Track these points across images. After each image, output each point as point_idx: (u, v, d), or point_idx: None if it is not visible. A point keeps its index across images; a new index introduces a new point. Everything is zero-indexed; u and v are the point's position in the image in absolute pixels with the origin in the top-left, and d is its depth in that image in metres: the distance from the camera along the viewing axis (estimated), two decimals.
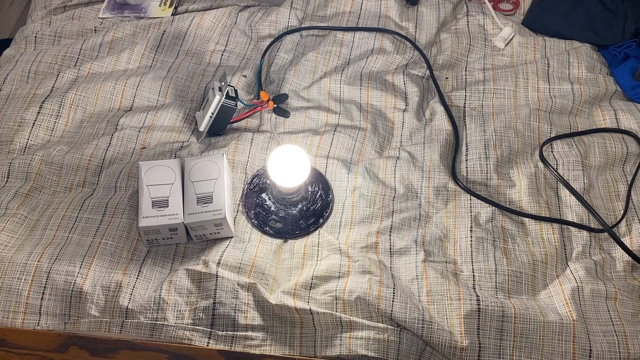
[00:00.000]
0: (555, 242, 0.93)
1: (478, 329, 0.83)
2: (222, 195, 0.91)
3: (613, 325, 0.84)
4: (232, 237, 0.93)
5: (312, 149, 1.05)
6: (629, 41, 1.18)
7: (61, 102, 1.09)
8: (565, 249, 0.93)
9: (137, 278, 0.88)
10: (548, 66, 1.16)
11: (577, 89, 1.12)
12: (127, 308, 0.85)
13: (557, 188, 1.00)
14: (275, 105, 1.10)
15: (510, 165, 1.03)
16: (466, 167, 1.03)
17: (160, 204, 0.91)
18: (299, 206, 0.97)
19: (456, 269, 0.91)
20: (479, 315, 0.83)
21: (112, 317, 0.85)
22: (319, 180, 1.00)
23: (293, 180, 0.91)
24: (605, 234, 0.95)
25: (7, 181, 1.00)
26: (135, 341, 0.79)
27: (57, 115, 1.08)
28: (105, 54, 1.20)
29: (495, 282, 0.89)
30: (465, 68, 1.17)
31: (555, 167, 1.01)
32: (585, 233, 0.95)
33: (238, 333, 0.84)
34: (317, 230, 0.95)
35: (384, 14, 1.27)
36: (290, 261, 0.93)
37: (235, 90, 1.05)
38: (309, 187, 0.99)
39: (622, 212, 0.98)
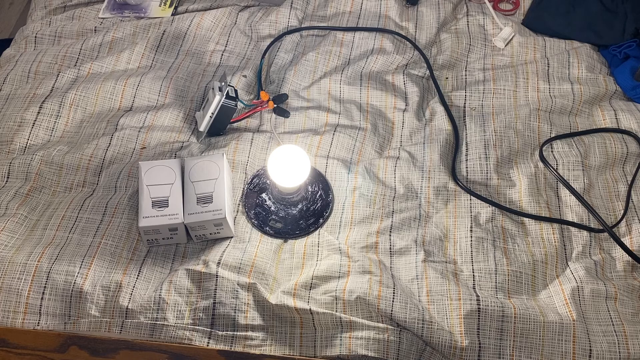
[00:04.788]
0: (555, 242, 0.93)
1: (478, 329, 0.83)
2: (222, 195, 0.91)
3: (613, 325, 0.84)
4: (232, 237, 0.93)
5: (312, 149, 1.05)
6: (629, 41, 1.18)
7: (61, 102, 1.09)
8: (565, 249, 0.93)
9: (137, 278, 0.88)
10: (548, 66, 1.16)
11: (577, 89, 1.12)
12: (127, 308, 0.85)
13: (557, 188, 1.00)
14: (275, 105, 1.10)
15: (510, 165, 1.03)
16: (466, 167, 1.03)
17: (160, 204, 0.91)
18: (299, 206, 0.97)
19: (456, 269, 0.91)
20: (479, 315, 0.83)
21: (112, 317, 0.85)
22: (319, 180, 1.00)
23: (293, 180, 0.91)
24: (605, 234, 0.95)
25: (7, 181, 1.00)
26: (135, 341, 0.79)
27: (57, 115, 1.08)
28: (105, 54, 1.20)
29: (495, 282, 0.89)
30: (465, 68, 1.17)
31: (555, 167, 1.01)
32: (585, 233, 0.95)
33: (238, 333, 0.84)
34: (317, 230, 0.95)
35: (384, 14, 1.27)
36: (290, 261, 0.93)
37: (235, 90, 1.05)
38: (309, 187, 0.99)
39: (622, 212, 0.98)
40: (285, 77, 1.16)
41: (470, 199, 0.98)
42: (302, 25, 1.27)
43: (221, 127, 1.07)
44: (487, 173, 1.01)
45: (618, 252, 0.93)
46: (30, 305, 0.86)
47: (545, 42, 1.21)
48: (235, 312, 0.85)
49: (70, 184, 1.01)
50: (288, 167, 0.90)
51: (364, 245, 0.93)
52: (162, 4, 1.30)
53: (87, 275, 0.87)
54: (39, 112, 1.07)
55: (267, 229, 0.95)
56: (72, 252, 0.90)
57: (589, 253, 0.93)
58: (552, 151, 1.04)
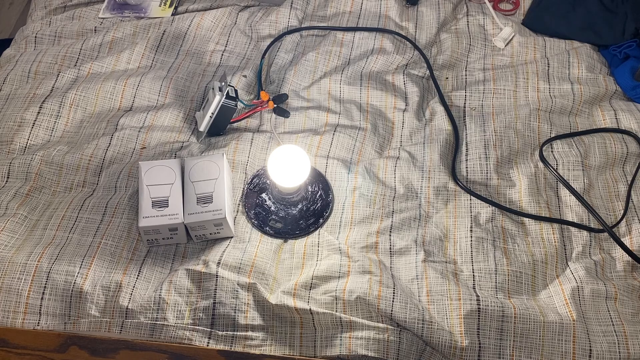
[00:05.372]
0: (555, 242, 0.93)
1: (478, 329, 0.83)
2: (222, 195, 0.92)
3: (613, 325, 0.84)
4: (232, 237, 0.93)
5: (312, 149, 1.05)
6: (629, 41, 1.18)
7: (61, 102, 1.09)
8: (565, 249, 0.93)
9: (137, 278, 0.88)
10: (548, 66, 1.16)
11: (577, 89, 1.12)
12: (127, 308, 0.85)
13: (557, 188, 1.00)
14: (275, 105, 1.10)
15: (510, 165, 1.03)
16: (466, 167, 1.03)
17: (160, 204, 0.91)
18: (299, 206, 0.97)
19: (456, 269, 0.91)
20: (479, 315, 0.83)
21: (112, 317, 0.85)
22: (319, 180, 1.00)
23: (293, 180, 0.91)
24: (605, 234, 0.95)
25: (7, 181, 1.00)
26: (135, 341, 0.79)
27: (57, 115, 1.08)
28: (105, 54, 1.20)
29: (495, 282, 0.89)
30: (465, 68, 1.17)
31: (555, 167, 1.01)
32: (585, 233, 0.95)
33: (238, 333, 0.84)
34: (317, 230, 0.95)
35: (384, 14, 1.27)
36: (290, 261, 0.93)
37: (235, 90, 1.05)
38: (309, 187, 0.99)
39: (622, 212, 0.98)
40: (285, 77, 1.16)
41: (470, 199, 0.98)
42: (302, 25, 1.27)
43: (221, 127, 1.07)
44: (487, 173, 1.01)
45: (618, 252, 0.93)
46: (30, 305, 0.86)
47: (545, 42, 1.21)
48: (235, 312, 0.85)
49: (70, 184, 1.01)
50: (288, 167, 0.90)
51: (364, 245, 0.93)
52: (162, 4, 1.30)
53: (87, 275, 0.87)
54: (39, 112, 1.07)
55: (267, 229, 0.95)
56: (72, 252, 0.90)
57: (589, 253, 0.93)
58: (552, 151, 1.04)
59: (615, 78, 1.15)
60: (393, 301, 0.84)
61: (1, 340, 0.78)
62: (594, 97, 1.12)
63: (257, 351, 0.82)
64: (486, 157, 1.03)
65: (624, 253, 0.92)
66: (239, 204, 0.98)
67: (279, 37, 1.24)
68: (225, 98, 1.02)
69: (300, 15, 1.28)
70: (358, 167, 1.02)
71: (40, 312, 0.86)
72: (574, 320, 0.84)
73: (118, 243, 0.91)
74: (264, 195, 0.99)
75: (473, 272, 0.90)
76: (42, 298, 0.86)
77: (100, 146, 1.04)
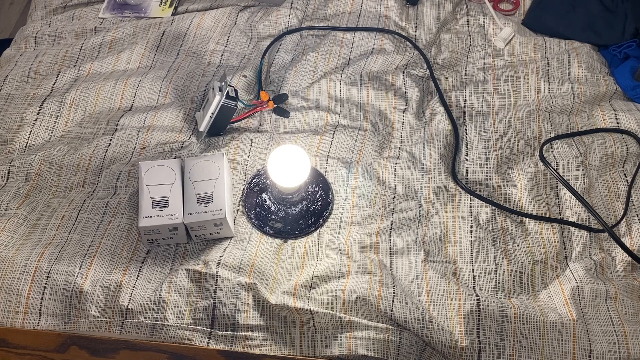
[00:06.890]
0: (555, 242, 0.93)
1: (478, 329, 0.83)
2: (222, 195, 0.92)
3: (613, 325, 0.84)
4: (232, 237, 0.93)
5: (312, 149, 1.05)
6: (629, 41, 1.18)
7: (61, 102, 1.09)
8: (565, 249, 0.93)
9: (137, 278, 0.88)
10: (548, 66, 1.16)
11: (577, 89, 1.12)
12: (127, 308, 0.85)
13: (557, 188, 1.00)
14: (275, 105, 1.10)
15: (510, 165, 1.03)
16: (466, 167, 1.03)
17: (160, 204, 0.91)
18: (299, 206, 0.97)
19: (456, 269, 0.91)
20: (479, 315, 0.83)
21: (112, 317, 0.85)
22: (319, 180, 1.00)
23: (293, 180, 0.91)
24: (605, 234, 0.95)
25: (7, 181, 1.00)
26: (135, 341, 0.79)
27: (57, 115, 1.08)
28: (105, 54, 1.20)
29: (495, 282, 0.89)
30: (465, 68, 1.17)
31: (555, 167, 1.01)
32: (585, 233, 0.95)
33: (238, 333, 0.84)
34: (317, 230, 0.95)
35: (384, 14, 1.27)
36: (290, 261, 0.93)
37: (235, 90, 1.05)
38: (309, 187, 0.99)
39: (622, 212, 0.98)
40: (285, 77, 1.16)
41: (470, 199, 0.98)
42: (302, 25, 1.27)
43: (221, 127, 1.07)
44: (487, 173, 1.01)
45: (618, 252, 0.93)
46: (30, 305, 0.86)
47: (545, 42, 1.21)
48: (235, 312, 0.85)
49: (70, 184, 1.01)
50: (288, 167, 0.90)
51: (364, 245, 0.93)
52: (162, 4, 1.30)
53: (87, 275, 0.87)
54: (39, 112, 1.07)
55: (267, 229, 0.95)
56: (72, 252, 0.90)
57: (589, 253, 0.93)
58: (552, 151, 1.04)
59: (615, 78, 1.15)
60: (393, 301, 0.84)
61: (1, 340, 0.78)
62: (594, 97, 1.12)
63: (257, 351, 0.82)
64: (486, 157, 1.03)
65: (624, 253, 0.92)
66: (239, 204, 0.98)
67: (279, 37, 1.24)
68: (225, 98, 1.02)
69: (300, 15, 1.28)
70: (358, 167, 1.02)
71: (40, 312, 0.86)
72: (574, 320, 0.84)
73: (118, 243, 0.91)
74: (264, 195, 0.99)
75: (473, 272, 0.90)
76: (42, 298, 0.86)
77: (100, 146, 1.04)
